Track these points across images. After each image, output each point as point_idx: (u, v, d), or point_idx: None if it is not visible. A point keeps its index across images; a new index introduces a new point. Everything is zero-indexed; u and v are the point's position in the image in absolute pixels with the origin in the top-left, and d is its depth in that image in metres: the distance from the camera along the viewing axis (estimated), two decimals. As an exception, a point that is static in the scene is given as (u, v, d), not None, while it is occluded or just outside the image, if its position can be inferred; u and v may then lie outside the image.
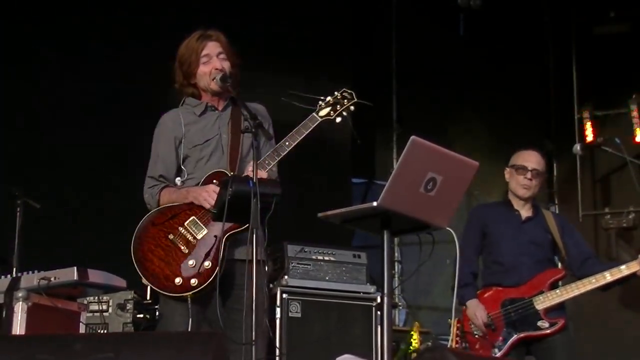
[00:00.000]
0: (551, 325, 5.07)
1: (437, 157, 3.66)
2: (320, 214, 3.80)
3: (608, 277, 5.05)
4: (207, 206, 4.15)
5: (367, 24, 8.83)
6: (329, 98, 4.36)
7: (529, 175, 5.18)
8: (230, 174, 4.20)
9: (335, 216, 3.78)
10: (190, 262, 4.15)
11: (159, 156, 4.37)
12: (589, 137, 8.09)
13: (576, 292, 5.07)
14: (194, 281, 4.12)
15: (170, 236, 4.19)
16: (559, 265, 5.54)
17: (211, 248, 4.15)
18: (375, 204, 3.58)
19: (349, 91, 4.41)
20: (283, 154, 4.21)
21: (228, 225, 4.08)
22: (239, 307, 4.02)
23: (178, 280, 4.12)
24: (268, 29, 7.89)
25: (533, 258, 5.20)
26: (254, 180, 3.86)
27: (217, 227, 4.14)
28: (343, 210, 3.76)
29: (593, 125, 8.18)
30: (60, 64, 7.15)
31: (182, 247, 4.17)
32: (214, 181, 4.22)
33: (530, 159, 5.23)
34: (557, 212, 8.30)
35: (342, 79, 8.65)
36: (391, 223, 3.73)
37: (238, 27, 6.55)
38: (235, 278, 4.20)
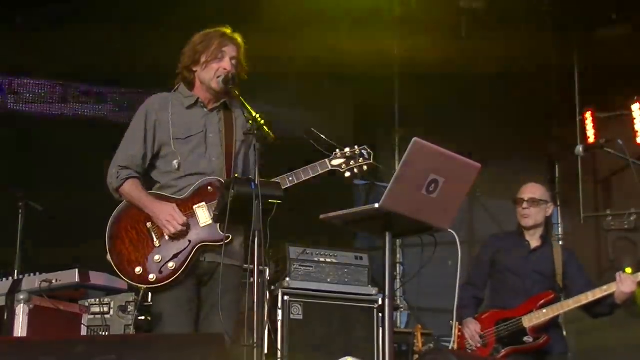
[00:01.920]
0: (535, 340, 5.31)
1: (440, 159, 3.65)
2: (322, 216, 3.79)
3: (590, 296, 5.26)
4: (168, 233, 4.12)
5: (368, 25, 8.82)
6: (346, 150, 4.34)
7: (525, 205, 5.54)
8: (222, 180, 4.17)
9: (337, 218, 3.78)
10: (157, 257, 4.11)
11: (136, 135, 4.30)
12: (591, 138, 8.09)
13: (560, 311, 5.31)
14: (152, 277, 4.09)
15: (149, 224, 4.16)
16: (562, 296, 5.65)
17: (181, 251, 4.12)
18: (377, 205, 3.57)
19: (369, 150, 4.39)
20: (283, 188, 4.17)
21: (209, 235, 4.11)
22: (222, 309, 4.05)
23: (138, 269, 4.09)
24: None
25: (537, 287, 5.43)
26: (256, 182, 3.86)
27: (194, 232, 4.13)
28: (345, 212, 3.75)
29: (595, 127, 8.18)
30: (62, 65, 7.15)
31: (155, 240, 4.14)
32: (209, 188, 4.20)
33: (525, 191, 5.59)
34: (559, 214, 8.51)
35: (344, 83, 8.71)
36: (393, 225, 3.72)
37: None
38: (228, 283, 4.17)
